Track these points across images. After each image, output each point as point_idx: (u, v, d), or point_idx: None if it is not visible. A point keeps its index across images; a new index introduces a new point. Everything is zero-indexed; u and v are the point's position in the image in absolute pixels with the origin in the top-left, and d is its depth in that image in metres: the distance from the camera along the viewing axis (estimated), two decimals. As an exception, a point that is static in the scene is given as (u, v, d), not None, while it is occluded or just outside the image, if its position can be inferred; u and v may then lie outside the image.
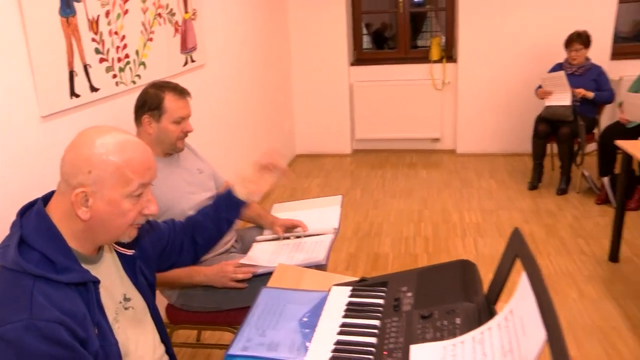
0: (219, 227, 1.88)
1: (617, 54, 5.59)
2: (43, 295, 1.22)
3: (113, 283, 1.47)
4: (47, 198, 1.38)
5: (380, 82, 5.91)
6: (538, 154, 4.87)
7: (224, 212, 1.87)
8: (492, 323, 1.19)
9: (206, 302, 2.26)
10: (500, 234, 4.02)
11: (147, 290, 1.58)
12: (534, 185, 4.90)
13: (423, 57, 5.94)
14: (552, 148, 5.14)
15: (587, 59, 4.82)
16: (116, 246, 1.51)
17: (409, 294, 1.47)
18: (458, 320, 1.30)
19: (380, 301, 1.48)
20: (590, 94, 4.63)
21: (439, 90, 5.84)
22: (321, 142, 6.10)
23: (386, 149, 6.14)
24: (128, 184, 1.33)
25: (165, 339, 1.65)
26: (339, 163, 5.86)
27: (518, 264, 1.25)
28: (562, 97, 4.68)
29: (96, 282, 1.35)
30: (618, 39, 6.07)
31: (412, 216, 4.39)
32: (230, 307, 2.24)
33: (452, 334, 1.25)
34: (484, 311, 1.31)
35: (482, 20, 5.57)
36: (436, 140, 6.04)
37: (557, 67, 4.92)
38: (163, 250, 1.74)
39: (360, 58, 6.19)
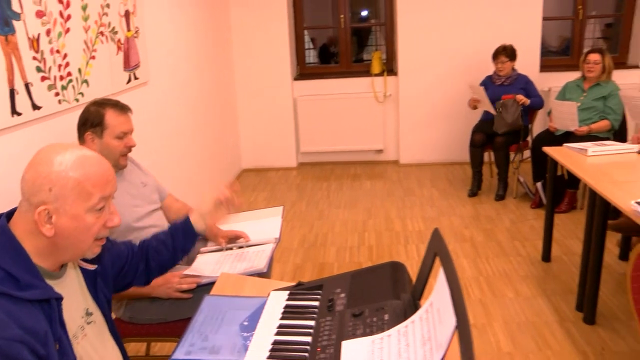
0: (174, 256, 1.93)
1: (546, 66, 5.92)
2: (5, 312, 1.22)
3: (76, 298, 1.48)
4: (10, 214, 1.39)
5: (324, 96, 6.04)
6: (476, 163, 5.08)
7: (180, 242, 1.92)
8: (415, 316, 1.29)
9: (153, 314, 2.30)
10: (441, 240, 4.17)
11: (106, 306, 1.60)
12: (473, 192, 5.11)
13: (365, 71, 6.11)
14: (491, 156, 5.37)
15: (514, 69, 5.10)
16: (79, 261, 1.52)
17: (342, 295, 1.56)
18: (386, 317, 1.40)
19: (316, 303, 1.57)
20: (527, 101, 4.88)
21: (380, 103, 6.01)
22: (267, 156, 6.18)
23: (331, 161, 6.26)
24: (89, 198, 1.35)
25: (124, 353, 1.67)
26: (285, 176, 5.95)
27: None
28: (488, 107, 4.95)
29: (59, 298, 1.35)
30: (549, 52, 6.41)
31: (356, 226, 4.50)
32: (177, 317, 2.28)
33: (381, 329, 1.35)
34: (410, 306, 1.41)
35: (420, 35, 5.79)
36: (380, 151, 6.20)
37: (487, 79, 5.19)
38: (121, 269, 1.76)
39: (303, 73, 6.32)
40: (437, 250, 1.35)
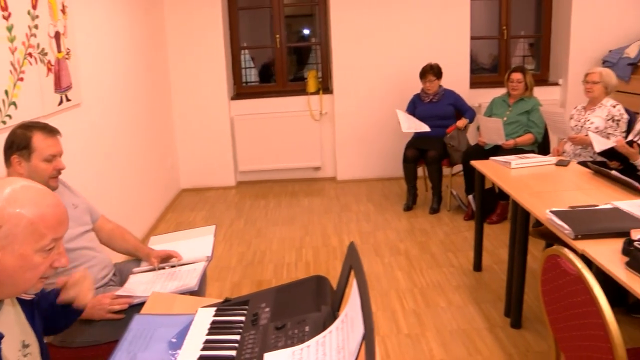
0: (65, 323, 1.88)
1: (475, 83, 6.18)
2: None
3: (12, 332, 1.44)
4: None
5: (261, 115, 6.09)
6: (410, 177, 5.22)
7: (62, 320, 1.85)
8: (332, 327, 1.36)
9: (85, 337, 2.29)
10: (377, 254, 4.27)
11: (41, 335, 1.58)
12: (408, 206, 5.24)
13: (301, 90, 6.20)
14: (425, 170, 5.53)
15: (440, 86, 5.29)
16: None
17: (267, 310, 1.61)
18: (307, 328, 1.45)
19: (241, 318, 1.62)
20: (466, 121, 5.15)
21: (317, 121, 6.11)
22: (205, 176, 6.18)
23: (269, 180, 6.31)
24: (41, 239, 1.31)
25: None
26: (224, 195, 5.96)
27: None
28: (421, 128, 5.14)
29: (1, 337, 1.32)
30: (482, 69, 6.67)
31: (293, 243, 4.55)
32: (110, 339, 2.27)
33: (301, 341, 1.40)
34: (329, 318, 1.48)
35: (354, 54, 5.94)
36: (317, 168, 6.29)
37: (416, 98, 5.38)
38: (49, 305, 1.74)
39: (240, 92, 6.36)
40: (352, 263, 1.42)
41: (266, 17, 6.32)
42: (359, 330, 1.19)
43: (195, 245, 2.65)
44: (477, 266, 3.97)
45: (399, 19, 5.92)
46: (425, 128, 5.10)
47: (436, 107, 5.21)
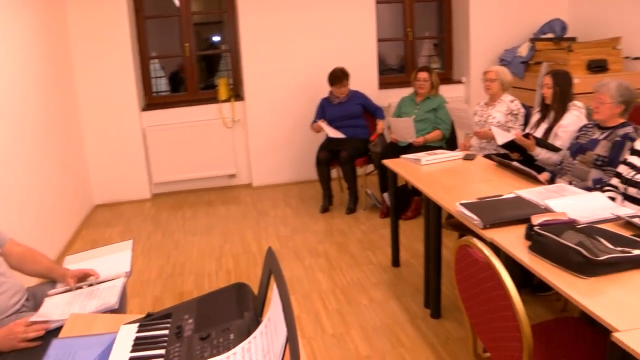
0: None
1: (384, 83, 6.36)
2: None
3: None
4: None
5: (173, 125, 6.00)
6: (324, 179, 5.30)
7: None
8: (256, 332, 1.38)
9: (-2, 370, 2.19)
10: (297, 257, 4.32)
11: None
12: (325, 208, 5.32)
13: (213, 98, 6.15)
14: (339, 172, 5.64)
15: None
16: None
17: (190, 321, 1.61)
18: (232, 336, 1.47)
19: (165, 332, 1.61)
20: (382, 124, 5.33)
21: (229, 128, 6.09)
22: (119, 190, 6.00)
23: (185, 190, 6.22)
24: None
25: None
26: (139, 209, 5.82)
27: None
28: (334, 133, 5.25)
29: None
30: (390, 70, 6.86)
31: (213, 252, 4.52)
32: (26, 369, 2.19)
33: (227, 349, 1.42)
34: (253, 323, 1.50)
35: (264, 60, 5.97)
36: (232, 176, 6.26)
37: (325, 101, 5.48)
38: None
39: (151, 103, 6.24)
40: (271, 267, 1.45)
41: (175, 25, 6.22)
42: (282, 332, 1.22)
43: (112, 261, 2.59)
44: (395, 262, 4.09)
45: (308, 24, 6.01)
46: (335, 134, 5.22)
47: (345, 107, 5.34)
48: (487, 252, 1.78)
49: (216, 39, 7.91)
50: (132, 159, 5.98)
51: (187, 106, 6.11)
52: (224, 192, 6.16)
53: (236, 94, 6.23)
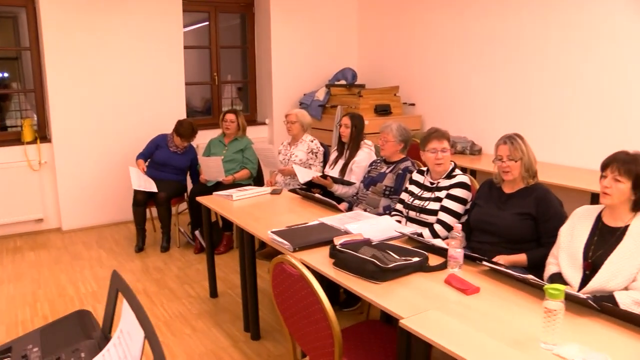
0: None
1: (193, 125, 6.58)
2: None
3: None
4: None
5: (-30, 169, 5.65)
6: (139, 220, 5.35)
7: None
8: (109, 345, 1.56)
9: None
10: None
11: None
12: (140, 247, 5.38)
13: (16, 139, 5.89)
14: (152, 211, 5.74)
15: None
16: None
17: (35, 349, 1.69)
18: (83, 355, 1.61)
19: (8, 363, 1.69)
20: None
21: (36, 171, 5.88)
22: None
23: (-14, 237, 5.86)
24: None
25: None
26: None
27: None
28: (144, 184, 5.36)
29: None
30: (197, 112, 7.13)
31: (25, 299, 4.35)
32: None
33: (79, 367, 1.57)
34: (103, 341, 1.67)
35: (73, 101, 5.85)
36: (40, 220, 6.00)
37: (162, 140, 5.58)
38: None
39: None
40: (118, 286, 1.64)
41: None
42: (139, 336, 1.43)
43: None
44: (214, 293, 4.33)
45: (117, 67, 6.03)
46: (153, 188, 5.27)
47: (178, 159, 5.51)
48: (299, 265, 2.13)
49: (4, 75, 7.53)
50: None
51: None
52: (31, 237, 5.88)
53: (42, 135, 6.04)
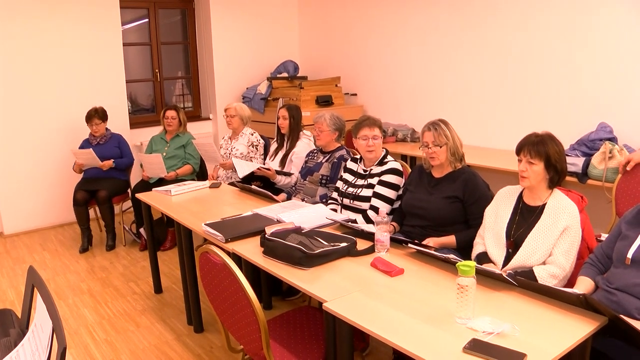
0: None
1: (136, 123, 6.57)
2: None
3: None
4: None
5: None
6: (82, 219, 5.31)
7: None
8: (24, 340, 1.59)
9: None
10: (60, 297, 4.31)
11: None
12: (84, 247, 5.33)
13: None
14: (97, 211, 5.69)
15: (107, 129, 5.56)
16: None
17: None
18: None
19: None
20: (110, 163, 5.37)
21: (-27, 176, 5.77)
22: None
23: None
24: None
25: None
26: None
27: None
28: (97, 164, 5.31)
29: None
30: (143, 110, 7.06)
31: (-36, 305, 4.32)
32: None
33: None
34: (20, 337, 1.70)
35: (12, 102, 5.74)
36: (-21, 226, 5.91)
37: (85, 142, 5.53)
38: None
39: None
40: (33, 282, 1.68)
41: None
42: (48, 327, 1.47)
43: None
44: (158, 289, 4.34)
45: (54, 64, 5.91)
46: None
47: (103, 149, 5.43)
48: (222, 254, 2.18)
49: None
50: None
51: None
52: (-29, 243, 5.79)
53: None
